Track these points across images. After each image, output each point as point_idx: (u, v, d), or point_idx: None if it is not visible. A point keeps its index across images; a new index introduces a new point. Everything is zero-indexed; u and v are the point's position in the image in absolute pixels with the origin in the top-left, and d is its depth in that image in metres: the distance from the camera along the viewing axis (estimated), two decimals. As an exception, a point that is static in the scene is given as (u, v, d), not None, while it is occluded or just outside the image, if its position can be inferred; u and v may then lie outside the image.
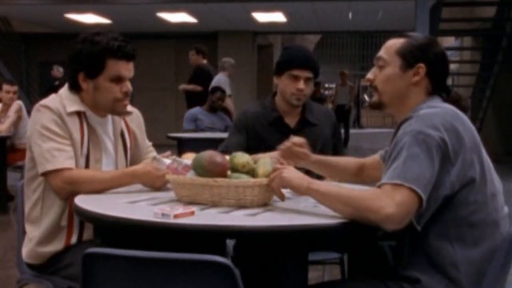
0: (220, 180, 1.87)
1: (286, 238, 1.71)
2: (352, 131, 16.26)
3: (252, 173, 1.95)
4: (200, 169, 1.93)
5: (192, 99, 8.23)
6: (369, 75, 1.96)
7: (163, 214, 1.68)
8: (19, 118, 6.66)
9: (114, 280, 1.48)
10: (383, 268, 2.02)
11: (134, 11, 12.49)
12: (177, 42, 15.96)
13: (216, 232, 1.66)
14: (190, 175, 1.96)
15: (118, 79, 2.24)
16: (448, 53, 2.18)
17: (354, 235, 1.85)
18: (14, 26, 15.07)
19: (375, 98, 1.95)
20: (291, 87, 2.74)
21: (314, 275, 3.56)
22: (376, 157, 2.29)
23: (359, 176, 2.33)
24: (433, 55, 1.88)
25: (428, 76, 1.88)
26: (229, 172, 1.95)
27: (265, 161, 1.99)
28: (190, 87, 8.67)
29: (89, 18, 13.12)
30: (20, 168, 6.38)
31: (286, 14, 12.78)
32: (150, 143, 2.59)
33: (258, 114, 2.84)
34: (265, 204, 1.92)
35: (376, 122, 24.98)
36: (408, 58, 1.88)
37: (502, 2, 10.33)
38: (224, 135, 4.35)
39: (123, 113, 2.34)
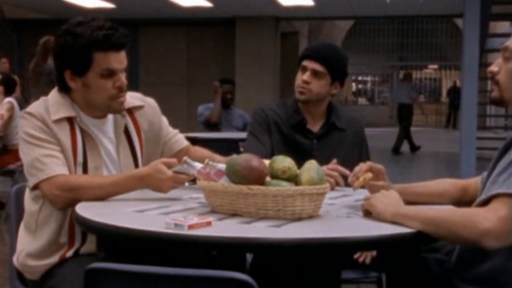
0: (256, 188, 1.85)
1: (315, 253, 1.71)
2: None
3: (294, 180, 1.91)
4: (234, 175, 1.91)
5: None
6: (493, 67, 1.88)
7: (176, 225, 1.69)
8: (11, 117, 6.71)
9: (121, 298, 1.50)
10: (427, 285, 2.01)
11: (140, -6, 12.55)
12: (189, 30, 16.01)
13: (235, 245, 1.68)
14: (223, 182, 1.95)
15: (109, 74, 2.23)
16: (502, 40, 2.10)
17: (395, 250, 1.84)
18: (6, 11, 15.24)
19: (495, 93, 1.88)
20: (298, 79, 2.80)
21: (346, 295, 3.55)
22: (479, 179, 2.14)
23: (461, 201, 2.20)
24: None
25: None
26: (268, 179, 1.92)
27: (311, 166, 1.94)
28: None
29: (89, 2, 13.20)
30: (13, 173, 6.44)
31: (314, -4, 12.75)
32: (176, 131, 2.58)
33: (278, 114, 2.84)
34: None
35: (419, 120, 24.94)
36: None
37: None
38: (243, 134, 4.35)
39: (120, 111, 2.34)
